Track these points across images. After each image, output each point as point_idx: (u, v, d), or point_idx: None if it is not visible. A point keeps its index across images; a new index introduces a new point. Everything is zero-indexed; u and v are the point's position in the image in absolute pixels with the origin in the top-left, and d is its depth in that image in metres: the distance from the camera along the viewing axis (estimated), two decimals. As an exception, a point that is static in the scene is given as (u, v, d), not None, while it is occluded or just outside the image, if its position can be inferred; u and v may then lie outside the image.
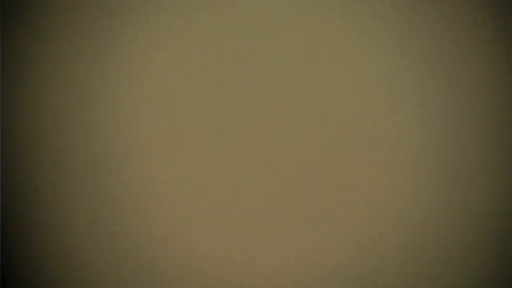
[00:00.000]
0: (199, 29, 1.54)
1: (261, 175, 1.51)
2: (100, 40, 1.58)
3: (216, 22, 1.54)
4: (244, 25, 1.52)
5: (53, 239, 1.59)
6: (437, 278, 1.45)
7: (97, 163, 1.58)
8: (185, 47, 1.55)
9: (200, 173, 1.53)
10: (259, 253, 1.51)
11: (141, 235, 1.56)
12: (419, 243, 1.46)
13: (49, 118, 1.59)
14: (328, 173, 1.48)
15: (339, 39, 1.48)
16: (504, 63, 1.42)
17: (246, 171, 1.51)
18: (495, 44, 1.43)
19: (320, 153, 1.48)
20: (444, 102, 1.44)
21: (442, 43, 1.45)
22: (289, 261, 1.50)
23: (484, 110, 1.44)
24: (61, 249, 1.58)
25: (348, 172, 1.47)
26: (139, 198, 1.56)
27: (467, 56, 1.44)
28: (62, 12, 1.59)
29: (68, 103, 1.59)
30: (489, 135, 1.43)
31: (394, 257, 1.47)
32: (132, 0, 1.56)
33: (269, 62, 1.51)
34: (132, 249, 1.56)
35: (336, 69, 1.48)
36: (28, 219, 1.60)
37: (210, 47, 1.54)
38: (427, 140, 1.45)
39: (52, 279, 1.59)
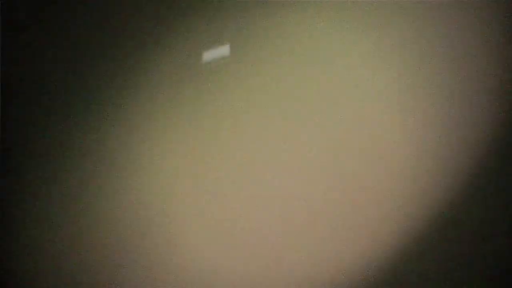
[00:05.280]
0: (204, 29, 1.55)
1: (265, 177, 1.51)
2: (101, 40, 1.59)
3: (220, 23, 1.54)
4: (245, 25, 1.53)
5: (53, 239, 1.60)
6: (443, 280, 1.45)
7: (97, 163, 1.58)
8: (186, 48, 1.56)
9: (204, 174, 1.54)
10: (262, 255, 1.51)
11: (142, 236, 1.56)
12: (425, 244, 1.46)
13: (49, 118, 1.60)
14: (332, 173, 1.48)
15: (344, 39, 1.48)
16: (505, 63, 1.42)
17: (251, 172, 1.51)
18: (497, 44, 1.43)
19: (323, 154, 1.49)
20: (448, 102, 1.45)
21: (445, 43, 1.45)
22: (292, 263, 1.50)
23: (487, 110, 1.44)
24: (61, 249, 1.59)
25: (351, 174, 1.47)
26: (140, 200, 1.56)
27: (470, 56, 1.44)
28: (63, 11, 1.60)
29: (68, 103, 1.60)
30: (492, 135, 1.43)
31: (400, 258, 1.47)
32: None
33: (276, 62, 1.51)
34: (132, 250, 1.57)
35: (339, 70, 1.48)
36: (28, 219, 1.61)
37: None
38: (431, 140, 1.45)
39: (51, 280, 1.59)
